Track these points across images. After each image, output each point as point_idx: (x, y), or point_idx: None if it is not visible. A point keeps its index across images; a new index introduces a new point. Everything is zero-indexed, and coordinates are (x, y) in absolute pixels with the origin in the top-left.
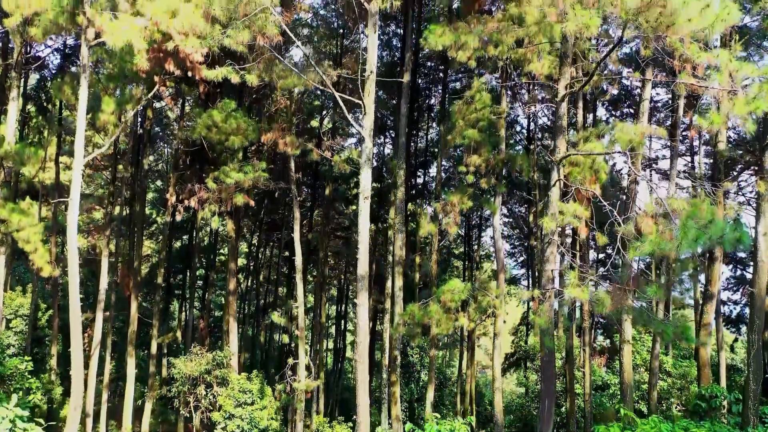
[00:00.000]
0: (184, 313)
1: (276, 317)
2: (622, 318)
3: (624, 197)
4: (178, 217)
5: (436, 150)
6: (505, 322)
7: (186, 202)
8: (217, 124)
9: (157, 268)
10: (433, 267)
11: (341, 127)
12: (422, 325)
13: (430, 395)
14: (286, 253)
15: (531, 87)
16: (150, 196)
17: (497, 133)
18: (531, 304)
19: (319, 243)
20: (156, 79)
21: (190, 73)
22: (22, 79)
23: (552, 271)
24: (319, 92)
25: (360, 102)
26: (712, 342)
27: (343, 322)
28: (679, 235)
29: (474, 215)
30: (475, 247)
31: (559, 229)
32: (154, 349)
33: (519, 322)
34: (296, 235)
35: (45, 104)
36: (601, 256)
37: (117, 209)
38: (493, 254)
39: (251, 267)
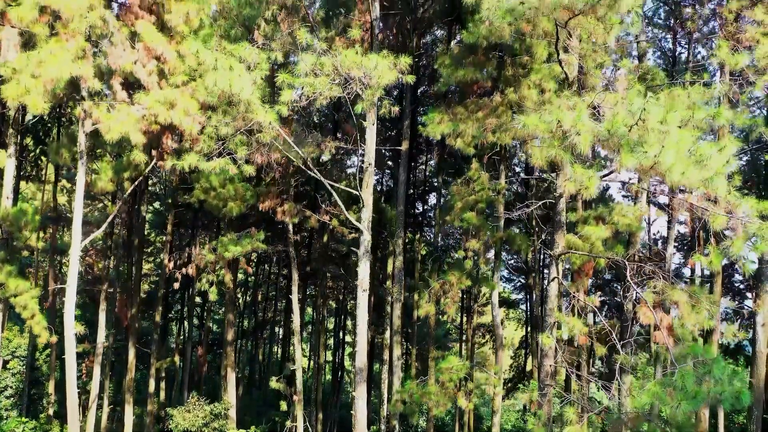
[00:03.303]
0: (182, 335)
1: (274, 383)
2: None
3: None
4: (176, 285)
5: (435, 181)
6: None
7: (184, 269)
8: (215, 188)
9: (156, 290)
10: (431, 318)
11: (341, 159)
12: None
13: None
14: (285, 271)
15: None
16: (149, 216)
17: (496, 211)
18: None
19: (318, 278)
20: (154, 152)
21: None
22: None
23: (550, 366)
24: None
25: (358, 193)
26: None
27: (342, 333)
28: (677, 384)
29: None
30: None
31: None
32: (152, 386)
33: (518, 345)
34: (294, 297)
35: (42, 137)
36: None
37: (117, 230)
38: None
39: (249, 282)
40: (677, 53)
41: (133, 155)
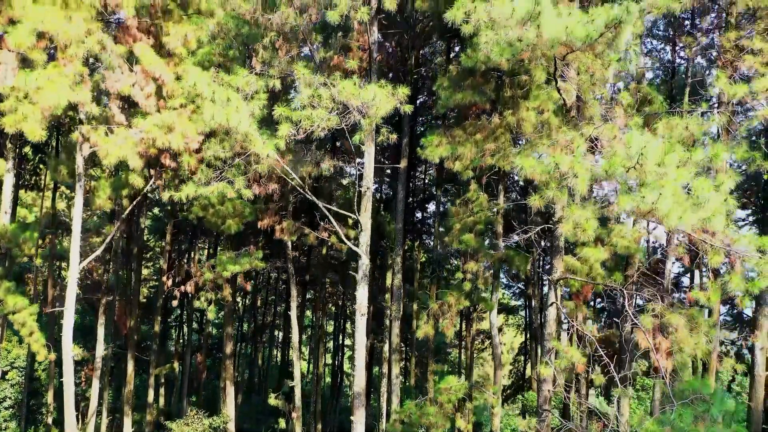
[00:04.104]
0: (182, 340)
1: (272, 400)
2: None
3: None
4: (175, 303)
5: (435, 190)
6: (502, 352)
7: (183, 287)
8: (213, 205)
9: (155, 297)
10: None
11: (340, 168)
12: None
13: None
14: (284, 276)
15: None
16: (148, 222)
17: (495, 230)
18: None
19: (317, 284)
20: (152, 171)
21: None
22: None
23: (549, 391)
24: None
25: (356, 217)
26: None
27: (341, 337)
28: (676, 425)
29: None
30: None
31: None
32: (151, 396)
33: (518, 351)
34: (293, 313)
35: (41, 146)
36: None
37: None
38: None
39: (249, 287)
40: (676, 64)
41: (131, 179)
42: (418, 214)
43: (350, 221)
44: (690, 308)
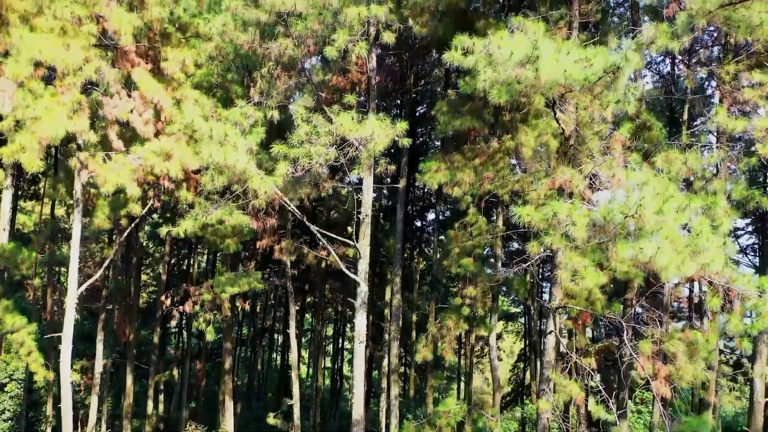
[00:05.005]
0: (181, 344)
1: (271, 420)
2: None
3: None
4: (173, 322)
5: (434, 200)
6: (501, 359)
7: (181, 307)
8: (212, 224)
9: (154, 304)
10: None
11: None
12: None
13: None
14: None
15: None
16: (147, 228)
17: (494, 254)
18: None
19: (317, 289)
20: (150, 193)
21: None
22: None
23: (548, 419)
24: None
25: (353, 244)
26: None
27: (341, 340)
28: None
29: None
30: None
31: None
32: (150, 407)
33: (516, 358)
34: (291, 331)
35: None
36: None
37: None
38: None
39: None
40: (675, 76)
41: (129, 206)
42: (418, 223)
43: (349, 230)
44: (690, 332)
